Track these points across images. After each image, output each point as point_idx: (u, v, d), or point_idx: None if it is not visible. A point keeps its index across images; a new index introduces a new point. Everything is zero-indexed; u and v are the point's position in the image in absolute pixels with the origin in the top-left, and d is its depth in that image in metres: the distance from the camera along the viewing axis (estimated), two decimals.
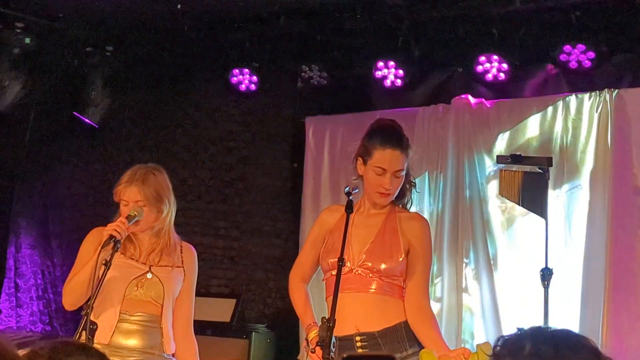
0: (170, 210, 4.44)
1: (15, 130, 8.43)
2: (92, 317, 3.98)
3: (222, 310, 7.36)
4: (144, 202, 4.33)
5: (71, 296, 4.26)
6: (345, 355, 2.01)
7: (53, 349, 2.08)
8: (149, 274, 4.33)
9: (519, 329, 1.94)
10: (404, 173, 4.05)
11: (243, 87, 7.67)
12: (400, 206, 4.18)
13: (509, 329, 6.46)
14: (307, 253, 4.33)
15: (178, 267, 4.41)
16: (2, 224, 8.45)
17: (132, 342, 4.25)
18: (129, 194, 4.34)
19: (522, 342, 1.86)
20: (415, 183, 4.24)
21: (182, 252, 4.46)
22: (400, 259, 4.03)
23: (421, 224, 4.16)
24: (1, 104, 7.60)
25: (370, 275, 4.06)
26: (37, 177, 8.57)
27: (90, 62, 7.85)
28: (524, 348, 1.84)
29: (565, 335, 1.88)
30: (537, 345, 1.83)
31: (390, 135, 4.08)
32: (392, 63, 7.04)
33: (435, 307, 6.89)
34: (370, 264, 4.05)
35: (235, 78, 7.67)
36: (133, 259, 4.37)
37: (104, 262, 4.11)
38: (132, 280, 4.31)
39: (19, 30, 7.35)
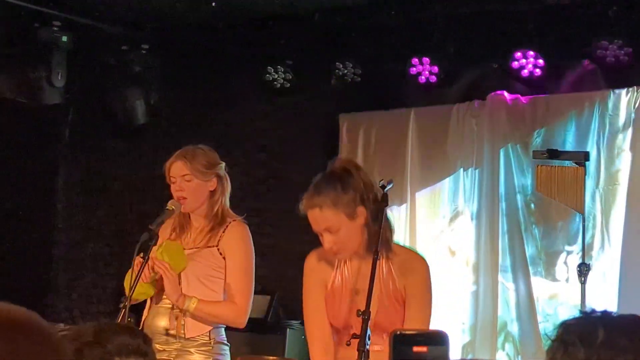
0: (220, 187, 4.39)
1: (55, 127, 8.50)
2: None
3: (255, 306, 7.35)
4: (190, 175, 4.31)
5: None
6: (397, 332, 2.02)
7: (98, 329, 2.10)
8: None
9: (583, 313, 1.83)
10: (338, 226, 3.64)
11: (277, 84, 7.68)
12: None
13: (544, 327, 6.42)
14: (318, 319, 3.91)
15: (210, 247, 4.33)
16: (46, 222, 8.54)
17: (158, 324, 4.26)
18: (175, 168, 4.33)
19: (594, 328, 1.73)
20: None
21: (224, 231, 4.36)
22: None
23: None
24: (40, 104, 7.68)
25: None
26: (76, 174, 8.65)
27: (126, 61, 7.90)
28: (597, 336, 1.71)
29: (636, 323, 1.77)
30: (611, 333, 1.71)
31: (307, 195, 3.76)
32: (426, 59, 7.02)
33: (471, 306, 6.86)
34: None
35: (269, 75, 7.68)
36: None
37: (142, 255, 4.13)
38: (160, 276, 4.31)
39: (56, 29, 7.42)
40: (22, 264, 8.21)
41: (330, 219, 3.67)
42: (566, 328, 1.77)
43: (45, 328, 1.28)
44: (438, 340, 2.07)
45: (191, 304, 4.19)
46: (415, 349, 2.00)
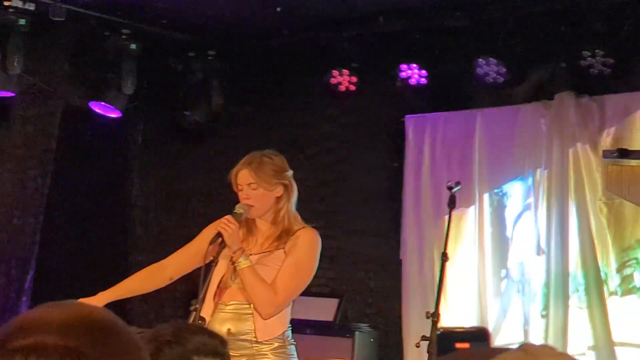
0: (286, 194, 4.41)
1: (127, 134, 8.63)
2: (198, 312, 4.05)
3: (324, 309, 7.40)
4: (256, 184, 4.34)
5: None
6: (440, 330, 1.96)
7: (176, 329, 2.13)
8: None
9: None
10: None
11: (342, 87, 7.69)
12: None
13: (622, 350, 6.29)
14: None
15: (279, 249, 4.37)
16: (121, 229, 8.67)
17: (226, 329, 4.28)
18: (241, 177, 4.37)
19: None
20: None
21: (293, 235, 4.37)
22: None
23: None
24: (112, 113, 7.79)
25: None
26: (149, 180, 8.77)
27: (193, 67, 7.99)
28: None
29: None
30: None
31: None
32: (493, 60, 6.96)
33: (540, 322, 6.76)
34: None
35: (334, 79, 7.69)
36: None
37: (211, 258, 4.18)
38: (227, 271, 4.34)
39: (125, 37, 7.53)
40: (99, 270, 8.34)
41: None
42: None
43: (127, 328, 1.30)
44: (479, 336, 2.04)
45: (246, 262, 4.22)
46: (458, 345, 1.96)
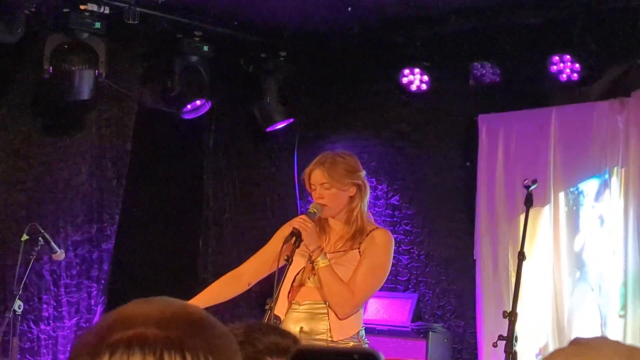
0: (359, 193, 4.41)
1: (199, 136, 8.72)
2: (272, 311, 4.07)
3: (398, 309, 7.38)
4: (329, 184, 4.35)
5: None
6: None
7: (248, 329, 2.13)
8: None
9: None
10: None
11: (414, 87, 7.66)
12: None
13: None
14: None
15: (353, 249, 4.38)
16: (194, 230, 8.76)
17: (299, 328, 4.28)
18: (314, 177, 4.38)
19: None
20: None
21: (367, 235, 4.37)
22: None
23: None
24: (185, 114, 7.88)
25: None
26: (221, 181, 8.84)
27: (265, 68, 8.03)
28: None
29: None
30: None
31: None
32: (567, 57, 6.87)
33: (618, 322, 6.64)
34: None
35: (405, 78, 7.66)
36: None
37: (285, 257, 4.19)
38: (301, 269, 4.35)
39: (197, 39, 7.61)
40: (172, 271, 8.45)
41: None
42: None
43: (218, 321, 1.33)
44: None
45: (325, 261, 4.22)
46: None
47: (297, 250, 4.32)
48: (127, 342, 1.19)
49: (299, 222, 4.24)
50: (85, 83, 6.90)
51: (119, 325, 1.22)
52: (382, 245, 4.38)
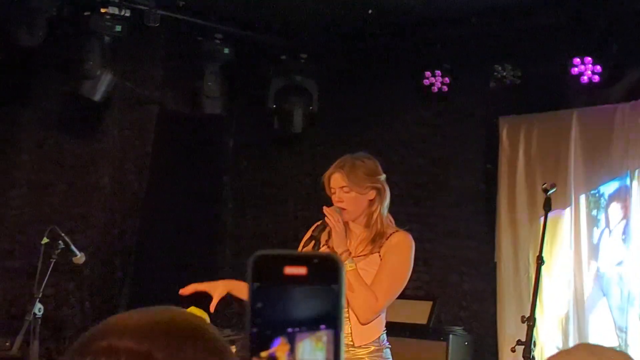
0: (379, 197, 4.39)
1: (219, 137, 8.74)
2: None
3: (418, 312, 7.36)
4: (349, 187, 4.33)
5: None
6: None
7: None
8: None
9: None
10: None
11: (435, 88, 7.64)
12: None
13: None
14: None
15: (374, 253, 4.35)
16: (213, 230, 8.78)
17: None
18: (334, 180, 4.37)
19: None
20: None
21: (387, 239, 4.33)
22: None
23: None
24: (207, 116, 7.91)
25: None
26: (240, 182, 8.86)
27: (285, 70, 8.04)
28: None
29: None
30: None
31: None
32: (588, 59, 6.83)
33: (639, 325, 6.60)
34: None
35: (427, 80, 7.65)
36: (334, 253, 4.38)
37: None
38: None
39: (218, 42, 7.63)
40: (191, 271, 8.46)
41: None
42: None
43: (212, 335, 1.30)
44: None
45: (352, 265, 4.21)
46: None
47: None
48: (96, 353, 1.22)
49: (331, 219, 4.21)
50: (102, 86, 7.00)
51: (99, 334, 1.26)
52: (403, 249, 4.35)
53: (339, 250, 4.23)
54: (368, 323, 4.25)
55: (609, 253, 6.84)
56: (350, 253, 4.25)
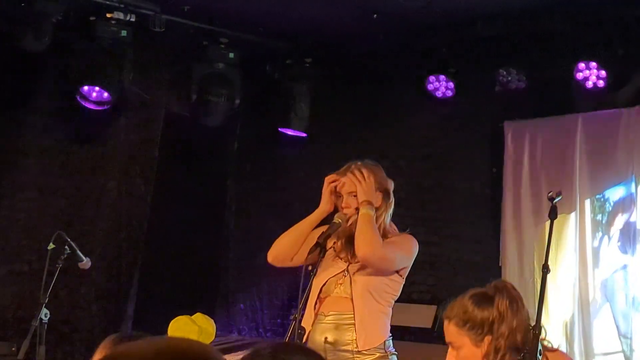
0: (384, 204, 4.40)
1: (224, 140, 8.75)
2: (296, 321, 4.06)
3: (423, 316, 7.37)
4: (356, 193, 4.36)
5: (275, 248, 4.41)
6: None
7: (275, 348, 2.14)
8: (347, 271, 4.34)
9: None
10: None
11: (439, 93, 7.64)
12: None
13: None
14: None
15: None
16: (217, 234, 8.79)
17: (325, 339, 4.26)
18: (343, 185, 4.39)
19: None
20: None
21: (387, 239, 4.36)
22: None
23: None
24: (211, 120, 7.91)
25: None
26: (245, 185, 8.87)
27: (290, 74, 8.05)
28: None
29: None
30: None
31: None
32: (593, 64, 6.83)
33: None
34: None
35: (431, 85, 7.65)
36: (340, 257, 4.39)
37: (310, 268, 4.19)
38: (329, 279, 4.34)
39: (222, 46, 7.64)
40: (196, 273, 8.48)
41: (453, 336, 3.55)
42: None
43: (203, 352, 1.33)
44: None
45: (370, 212, 4.24)
46: None
47: (331, 260, 4.34)
48: None
49: (357, 175, 4.30)
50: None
51: None
52: (405, 240, 4.41)
53: (361, 197, 4.27)
54: (367, 260, 4.25)
55: (608, 260, 6.84)
56: (370, 204, 4.28)
